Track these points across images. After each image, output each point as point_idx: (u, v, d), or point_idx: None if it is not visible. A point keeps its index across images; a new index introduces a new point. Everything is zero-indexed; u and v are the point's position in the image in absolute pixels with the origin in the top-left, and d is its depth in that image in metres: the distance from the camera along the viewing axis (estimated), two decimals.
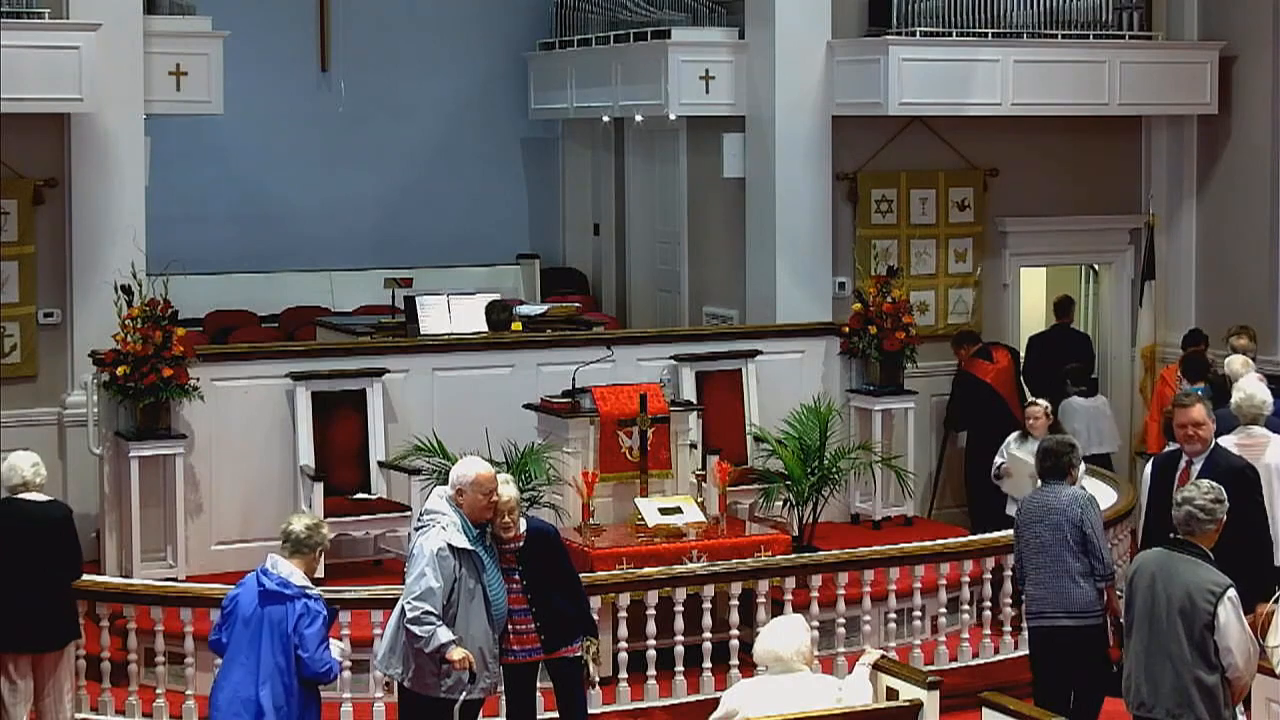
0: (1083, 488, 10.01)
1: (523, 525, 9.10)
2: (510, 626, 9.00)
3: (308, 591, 8.45)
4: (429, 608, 8.38)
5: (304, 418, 12.83)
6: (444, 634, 8.39)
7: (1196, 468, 9.39)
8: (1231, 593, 7.93)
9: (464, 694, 8.62)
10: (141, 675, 10.78)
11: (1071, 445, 10.00)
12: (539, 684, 9.48)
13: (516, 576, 9.00)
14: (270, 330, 16.88)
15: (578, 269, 18.89)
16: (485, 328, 14.29)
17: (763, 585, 11.17)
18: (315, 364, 13.04)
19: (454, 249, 18.02)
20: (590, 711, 10.51)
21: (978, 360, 14.61)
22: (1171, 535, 8.18)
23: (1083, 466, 10.38)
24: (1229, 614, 7.88)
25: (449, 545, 8.47)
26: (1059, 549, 9.63)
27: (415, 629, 8.41)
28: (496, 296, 15.07)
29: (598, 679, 10.40)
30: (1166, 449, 10.17)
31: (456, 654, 8.42)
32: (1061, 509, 9.66)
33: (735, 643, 10.96)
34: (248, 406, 12.87)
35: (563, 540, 9.62)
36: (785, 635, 7.87)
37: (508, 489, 8.96)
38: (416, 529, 8.70)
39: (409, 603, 8.44)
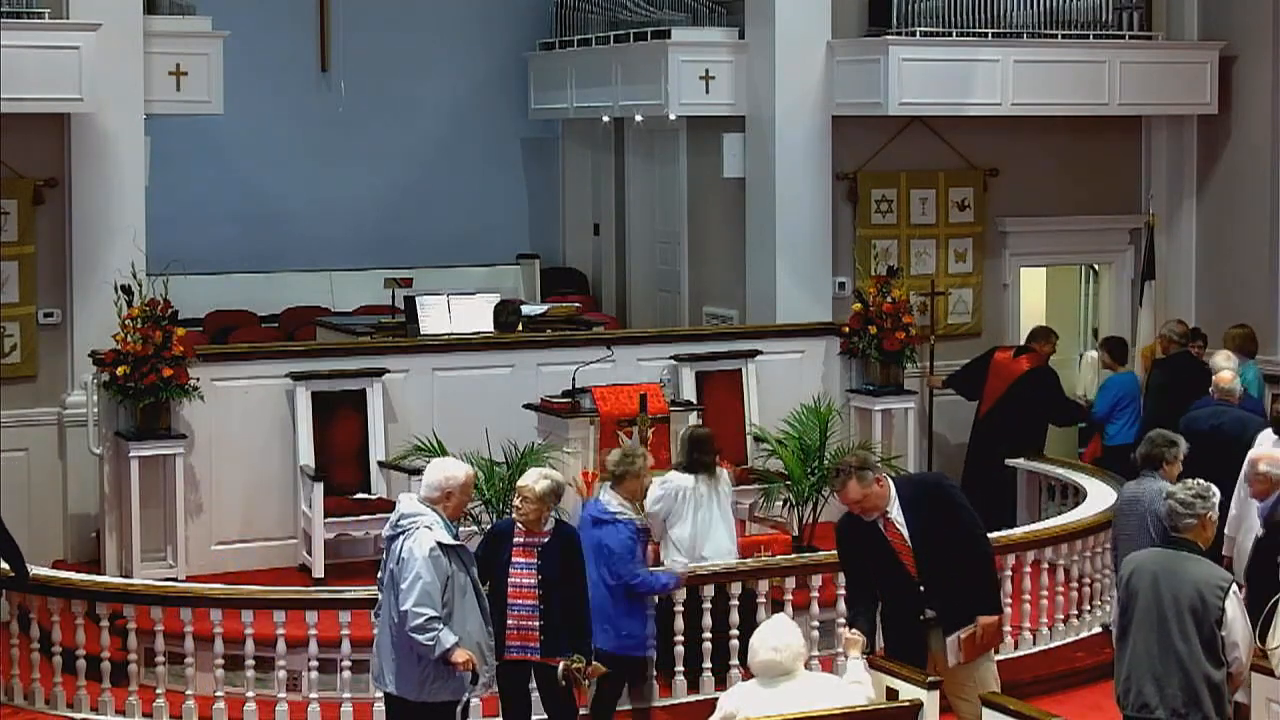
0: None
1: (551, 523, 9.13)
2: (515, 622, 9.02)
3: (618, 516, 9.70)
4: (432, 612, 8.32)
5: (304, 418, 12.84)
6: (448, 637, 8.36)
7: (895, 514, 8.77)
8: (1235, 587, 7.98)
9: (467, 694, 8.62)
10: (141, 675, 10.77)
11: (1171, 440, 9.93)
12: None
13: (535, 571, 9.03)
14: (270, 330, 16.88)
15: (578, 269, 18.89)
16: (486, 327, 14.29)
17: (763, 585, 11.16)
18: (315, 364, 13.05)
19: (454, 249, 18.02)
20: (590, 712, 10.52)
21: (1011, 349, 14.68)
22: (1169, 535, 8.18)
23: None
24: (1235, 609, 7.92)
25: (439, 544, 8.45)
26: (1143, 540, 9.63)
27: (420, 637, 8.33)
28: (503, 298, 15.08)
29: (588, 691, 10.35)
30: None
31: (461, 656, 8.39)
32: (1146, 501, 9.71)
33: (735, 643, 10.95)
34: (248, 406, 12.88)
35: (583, 549, 9.63)
36: (778, 641, 7.83)
37: (542, 483, 9.03)
38: (395, 535, 8.56)
39: (410, 609, 8.33)
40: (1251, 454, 9.77)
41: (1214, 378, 12.32)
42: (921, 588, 8.75)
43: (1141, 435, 13.76)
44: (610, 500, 9.80)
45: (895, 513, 8.78)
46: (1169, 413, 12.97)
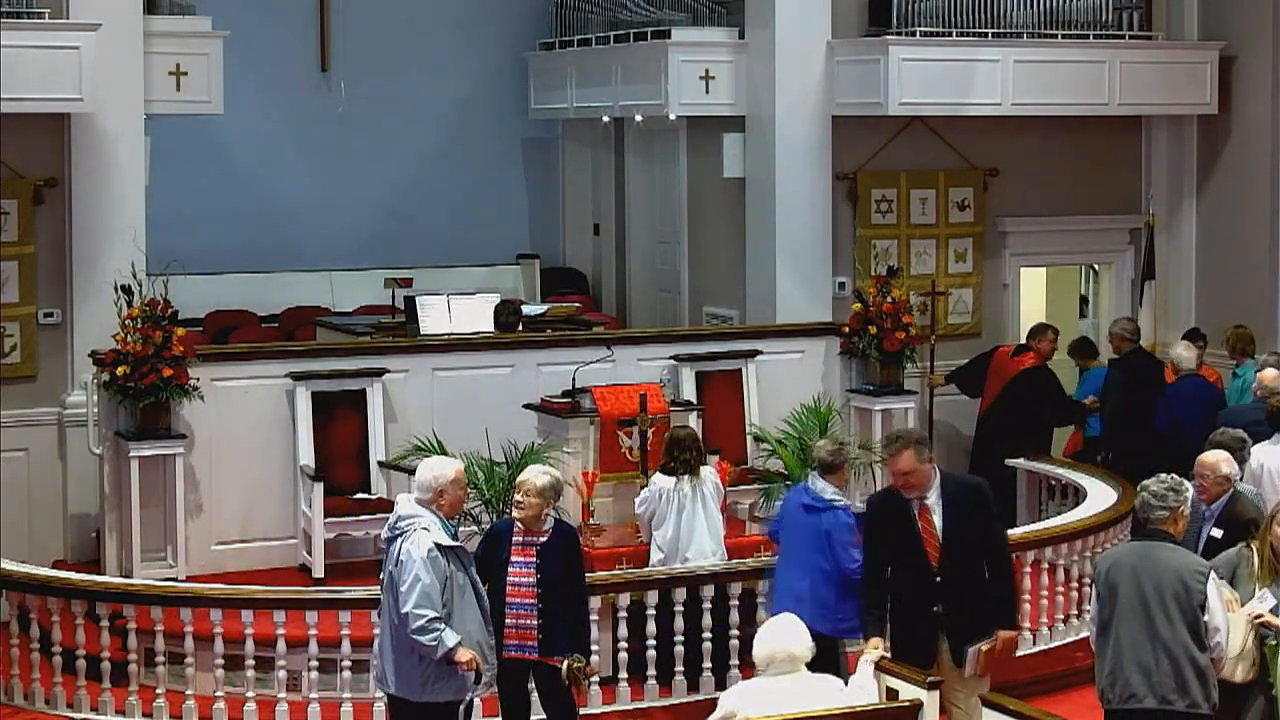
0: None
1: (550, 522, 9.14)
2: (514, 621, 9.02)
3: (834, 504, 9.84)
4: (432, 613, 8.32)
5: (304, 418, 12.83)
6: (450, 637, 8.36)
7: (933, 500, 8.79)
8: (1214, 574, 8.10)
9: (470, 694, 8.63)
10: (141, 675, 10.76)
11: (1242, 440, 9.97)
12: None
13: (533, 570, 9.03)
14: (270, 330, 16.88)
15: (578, 269, 18.89)
16: (486, 327, 14.29)
17: (763, 585, 11.15)
18: (315, 364, 13.05)
19: (454, 249, 18.02)
20: (590, 711, 10.52)
21: (1010, 346, 14.75)
22: (1143, 526, 8.24)
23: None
24: (1216, 595, 8.03)
25: (436, 545, 8.45)
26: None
27: (422, 638, 8.32)
28: (503, 298, 15.08)
29: (587, 691, 10.35)
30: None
31: (464, 655, 8.39)
32: None
33: (735, 643, 10.95)
34: (248, 406, 12.87)
35: (582, 548, 9.62)
36: (790, 634, 7.84)
37: (544, 478, 9.05)
38: (393, 537, 8.56)
39: (411, 611, 8.33)
40: (1202, 457, 9.68)
41: (1258, 375, 12.30)
42: (938, 579, 8.73)
43: (1105, 430, 14.11)
44: (825, 487, 9.91)
45: (933, 500, 8.78)
46: (1129, 408, 13.57)
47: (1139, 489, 8.31)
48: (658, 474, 11.12)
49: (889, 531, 8.87)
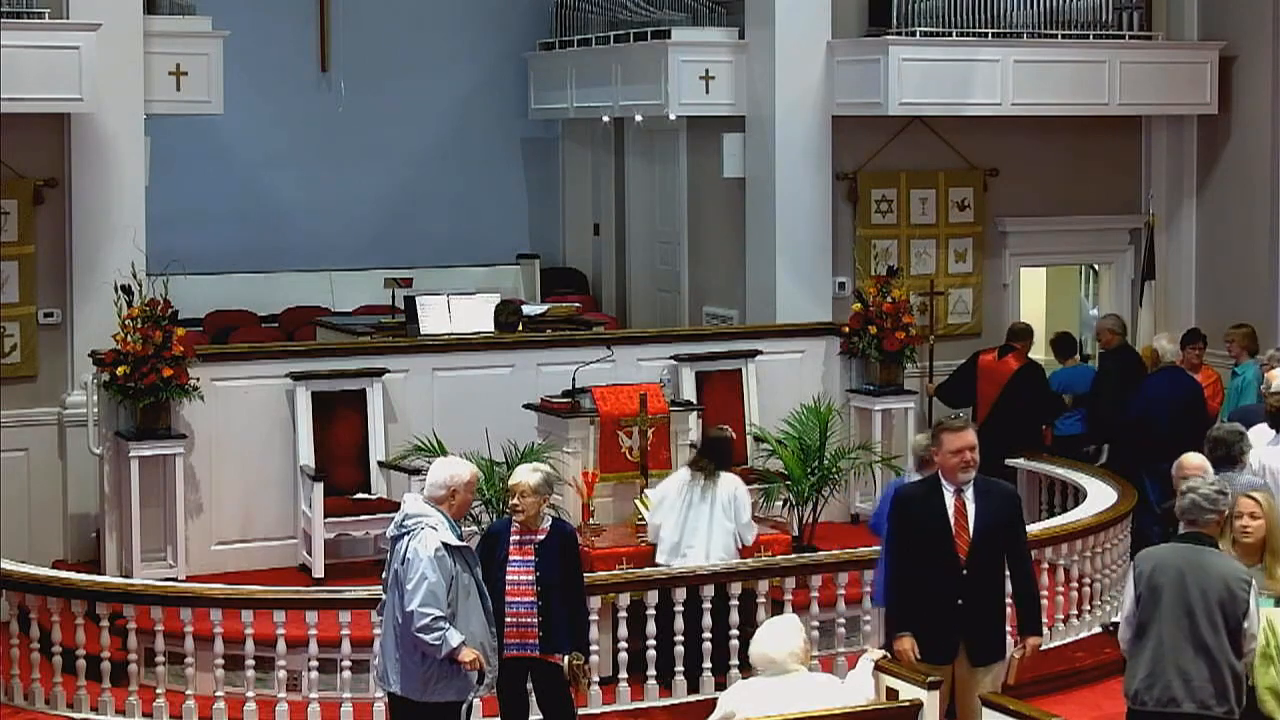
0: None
1: (547, 521, 9.14)
2: (514, 620, 9.02)
3: None
4: (438, 612, 8.31)
5: (304, 418, 12.84)
6: (454, 637, 8.34)
7: (969, 494, 8.74)
8: (1253, 582, 8.07)
9: (473, 694, 8.63)
10: (141, 675, 10.76)
11: (1240, 434, 10.00)
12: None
13: (532, 569, 9.03)
14: (270, 330, 16.89)
15: (578, 269, 18.89)
16: (486, 327, 14.30)
17: (763, 585, 11.16)
18: (315, 364, 13.05)
19: (454, 249, 18.03)
20: (590, 711, 10.52)
21: (993, 350, 14.74)
22: (1181, 530, 8.18)
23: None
24: (1255, 603, 8.02)
25: (444, 544, 8.45)
26: None
27: (426, 637, 8.31)
28: (503, 298, 15.08)
29: (586, 689, 10.34)
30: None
31: (468, 655, 8.37)
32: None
33: (735, 643, 10.95)
34: (248, 406, 12.88)
35: (580, 547, 9.63)
36: (777, 637, 7.84)
37: (535, 476, 9.05)
38: (399, 535, 8.55)
39: (416, 609, 8.31)
40: (1189, 459, 9.58)
41: (1267, 375, 12.28)
42: (964, 573, 8.71)
43: (1092, 423, 14.17)
44: (916, 478, 9.88)
45: (970, 494, 8.78)
46: (1118, 401, 13.72)
47: (1185, 490, 8.21)
48: (685, 465, 11.25)
49: (920, 522, 8.85)
